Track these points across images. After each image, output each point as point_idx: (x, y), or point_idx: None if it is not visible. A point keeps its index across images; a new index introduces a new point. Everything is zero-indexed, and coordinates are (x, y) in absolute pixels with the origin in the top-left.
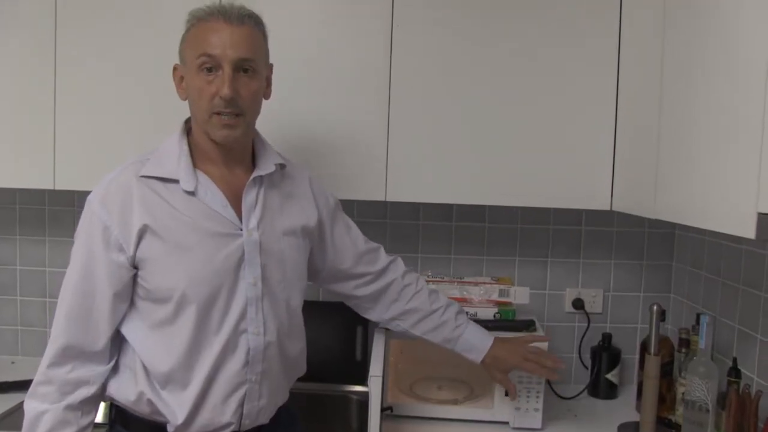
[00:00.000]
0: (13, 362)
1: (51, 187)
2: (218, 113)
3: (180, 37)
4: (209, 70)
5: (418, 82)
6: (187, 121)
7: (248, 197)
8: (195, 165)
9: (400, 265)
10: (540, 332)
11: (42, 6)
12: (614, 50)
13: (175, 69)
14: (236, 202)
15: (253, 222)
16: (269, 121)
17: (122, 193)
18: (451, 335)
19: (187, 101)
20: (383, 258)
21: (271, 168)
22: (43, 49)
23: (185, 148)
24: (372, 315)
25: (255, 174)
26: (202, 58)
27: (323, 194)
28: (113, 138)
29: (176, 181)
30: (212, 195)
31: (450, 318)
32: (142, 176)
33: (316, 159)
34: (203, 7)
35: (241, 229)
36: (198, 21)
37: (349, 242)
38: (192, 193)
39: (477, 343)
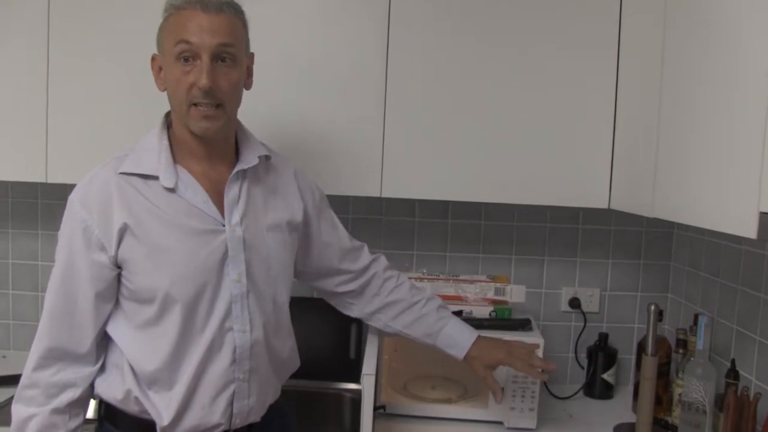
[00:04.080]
0: (4, 356)
1: (43, 180)
2: (196, 104)
3: None
4: (186, 59)
5: (415, 78)
6: (168, 115)
7: (230, 192)
8: (176, 160)
9: (382, 262)
10: (536, 331)
11: (35, 1)
12: (614, 48)
13: (153, 59)
14: (218, 198)
15: (236, 217)
16: (265, 117)
17: (102, 191)
18: (432, 329)
19: (165, 92)
20: (366, 256)
21: (255, 161)
22: (36, 43)
23: (165, 143)
24: (354, 311)
25: (237, 168)
26: (180, 46)
27: (309, 187)
28: (105, 131)
29: (156, 178)
30: (193, 191)
31: (431, 311)
32: (122, 173)
33: (311, 154)
34: None
35: (224, 225)
36: (175, 9)
37: (335, 238)
38: (172, 190)
39: (459, 338)
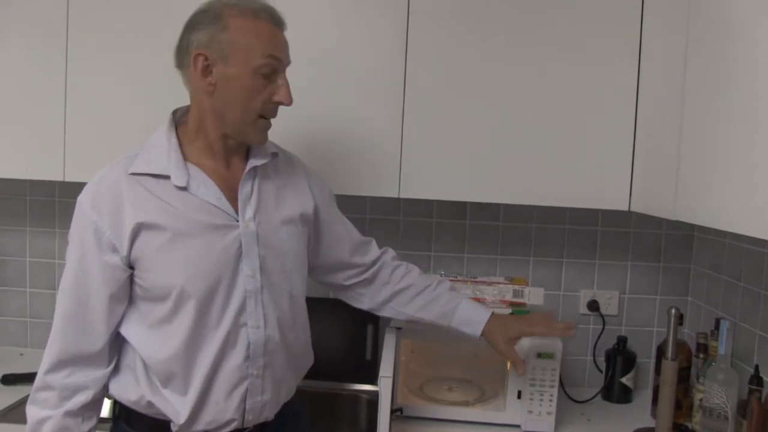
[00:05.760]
0: (21, 354)
1: (61, 179)
2: (263, 117)
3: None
4: (268, 73)
5: (434, 78)
6: (175, 112)
7: (244, 188)
8: (186, 158)
9: (389, 253)
10: None
11: (54, 2)
12: (635, 46)
13: (199, 56)
14: (230, 194)
15: (249, 213)
16: (281, 116)
17: (112, 192)
18: (446, 309)
19: (203, 93)
20: (375, 249)
21: (267, 158)
22: (55, 43)
23: (174, 141)
24: (364, 303)
25: (251, 165)
26: (269, 60)
27: (318, 183)
28: (123, 130)
29: (167, 177)
30: (206, 188)
31: (443, 292)
32: (132, 174)
33: (329, 154)
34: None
35: (237, 221)
36: (252, 17)
37: (345, 232)
38: (184, 188)
39: (474, 315)
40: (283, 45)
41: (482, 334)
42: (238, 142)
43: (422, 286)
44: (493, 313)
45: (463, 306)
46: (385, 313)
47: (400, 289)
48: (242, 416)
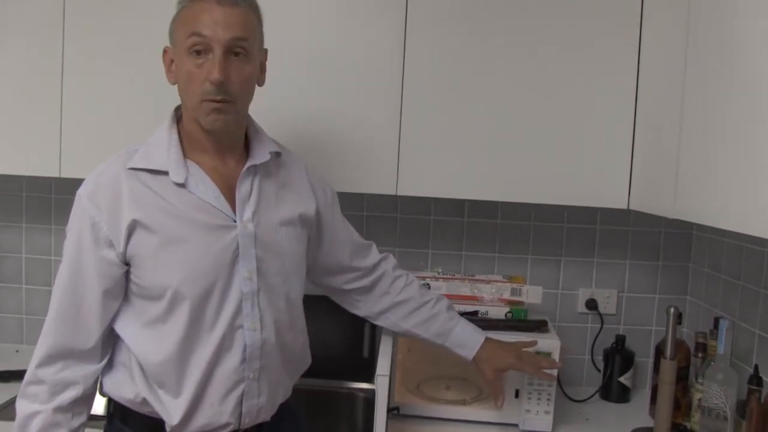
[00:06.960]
0: (17, 351)
1: (56, 175)
2: (209, 100)
3: None
4: (198, 52)
5: (432, 76)
6: (177, 109)
7: (242, 188)
8: (186, 155)
9: (390, 260)
10: (552, 332)
11: None
12: (634, 45)
13: (165, 51)
14: (229, 193)
15: (248, 213)
16: (280, 114)
17: (111, 187)
18: (442, 329)
19: (176, 86)
20: (375, 253)
21: (266, 157)
22: (52, 40)
23: (175, 137)
24: (361, 309)
25: (249, 163)
26: (192, 38)
27: (321, 184)
28: (119, 127)
29: (166, 173)
30: (204, 186)
31: (441, 310)
32: (131, 168)
33: (327, 151)
34: None
35: (235, 221)
36: (190, 1)
37: (345, 235)
38: (182, 185)
39: (469, 339)
40: (215, 20)
41: (473, 359)
42: (220, 136)
43: (421, 301)
44: (487, 338)
45: (459, 328)
46: (381, 322)
47: (399, 301)
48: (238, 419)
